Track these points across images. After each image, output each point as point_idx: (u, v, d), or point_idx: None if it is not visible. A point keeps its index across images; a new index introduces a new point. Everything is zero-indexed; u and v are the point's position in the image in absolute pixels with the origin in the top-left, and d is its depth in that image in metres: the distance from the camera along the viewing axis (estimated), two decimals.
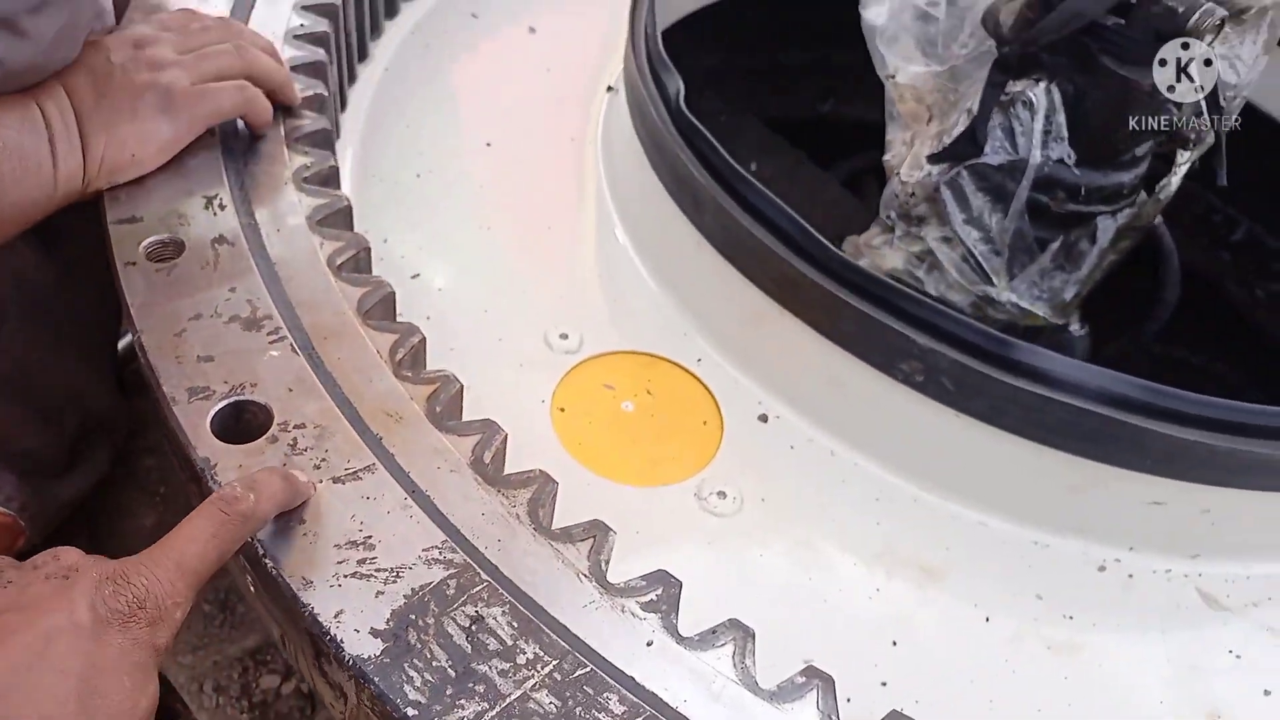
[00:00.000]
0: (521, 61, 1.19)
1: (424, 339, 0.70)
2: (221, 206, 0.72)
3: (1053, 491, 0.81)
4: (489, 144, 1.08)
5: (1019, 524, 0.83)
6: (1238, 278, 1.53)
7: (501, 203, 1.02)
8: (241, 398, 0.61)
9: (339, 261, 0.73)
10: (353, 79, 1.07)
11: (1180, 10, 0.86)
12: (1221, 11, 0.86)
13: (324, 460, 0.59)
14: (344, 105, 1.04)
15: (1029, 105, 0.94)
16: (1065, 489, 0.81)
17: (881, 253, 1.08)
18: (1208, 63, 0.92)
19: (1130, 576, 0.82)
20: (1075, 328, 1.28)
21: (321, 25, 0.92)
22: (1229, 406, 0.75)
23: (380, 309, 0.72)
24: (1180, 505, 0.79)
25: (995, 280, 1.02)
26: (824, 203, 1.51)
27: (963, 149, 0.96)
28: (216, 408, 0.60)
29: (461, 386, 0.68)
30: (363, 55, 1.10)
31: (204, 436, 0.58)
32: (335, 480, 0.58)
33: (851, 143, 1.54)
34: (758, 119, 1.63)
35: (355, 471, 0.59)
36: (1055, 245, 1.03)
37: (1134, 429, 0.74)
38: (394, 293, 0.73)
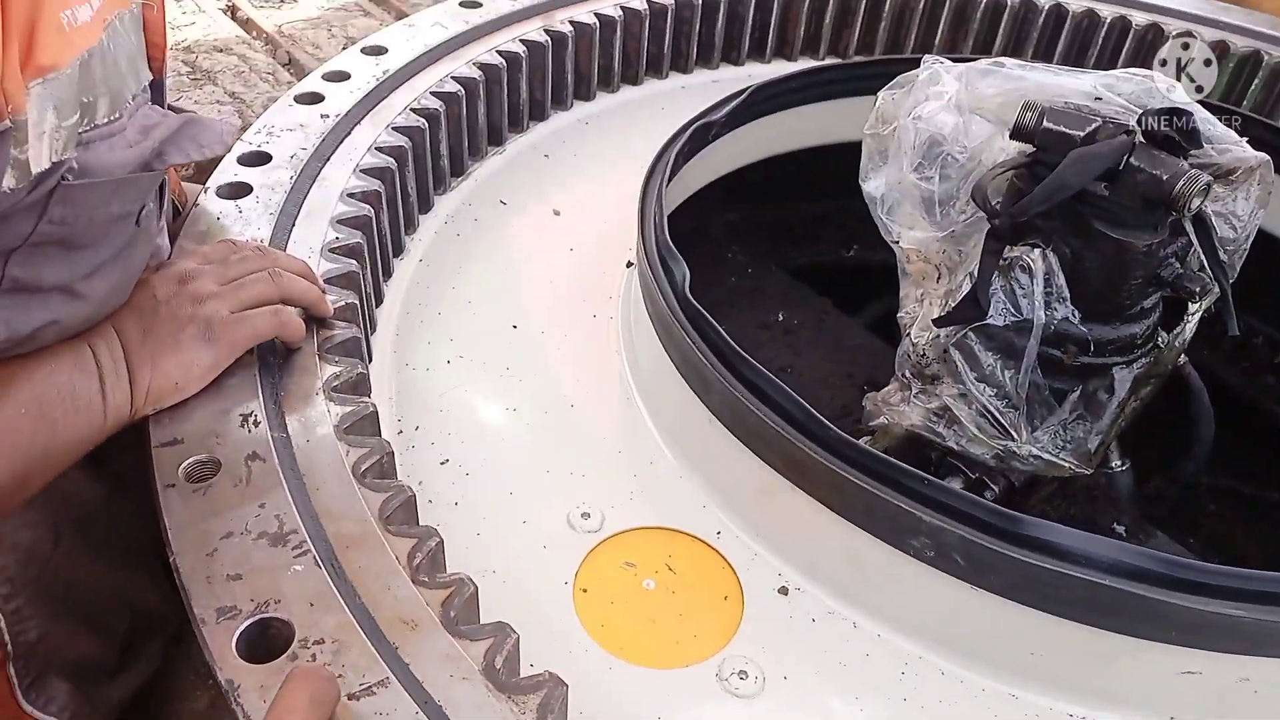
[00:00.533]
0: (547, 243, 1.27)
1: (441, 541, 0.74)
2: (255, 423, 0.78)
3: (1081, 663, 0.80)
4: (515, 326, 1.14)
5: (1052, 697, 0.81)
6: None
7: (526, 384, 1.07)
8: (266, 615, 0.65)
9: (363, 468, 0.77)
10: (388, 274, 1.16)
11: (1165, 178, 0.89)
12: (1206, 177, 0.89)
13: (340, 676, 0.62)
14: (380, 300, 1.12)
15: (1027, 269, 0.97)
16: (1093, 660, 0.79)
17: (900, 410, 1.09)
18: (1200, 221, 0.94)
19: None
20: (1116, 464, 1.26)
21: (355, 237, 1.00)
22: (1252, 576, 0.73)
23: (402, 513, 0.76)
24: (1216, 676, 0.77)
25: (1015, 435, 1.02)
26: (851, 348, 1.54)
27: (966, 313, 0.98)
28: (242, 627, 0.64)
29: (475, 589, 0.71)
30: (398, 250, 1.19)
31: (229, 658, 0.62)
32: (350, 697, 0.61)
33: (878, 286, 1.57)
34: (783, 269, 1.69)
35: (370, 686, 0.62)
36: (1074, 396, 1.04)
37: (1154, 602, 0.73)
38: (414, 496, 0.77)
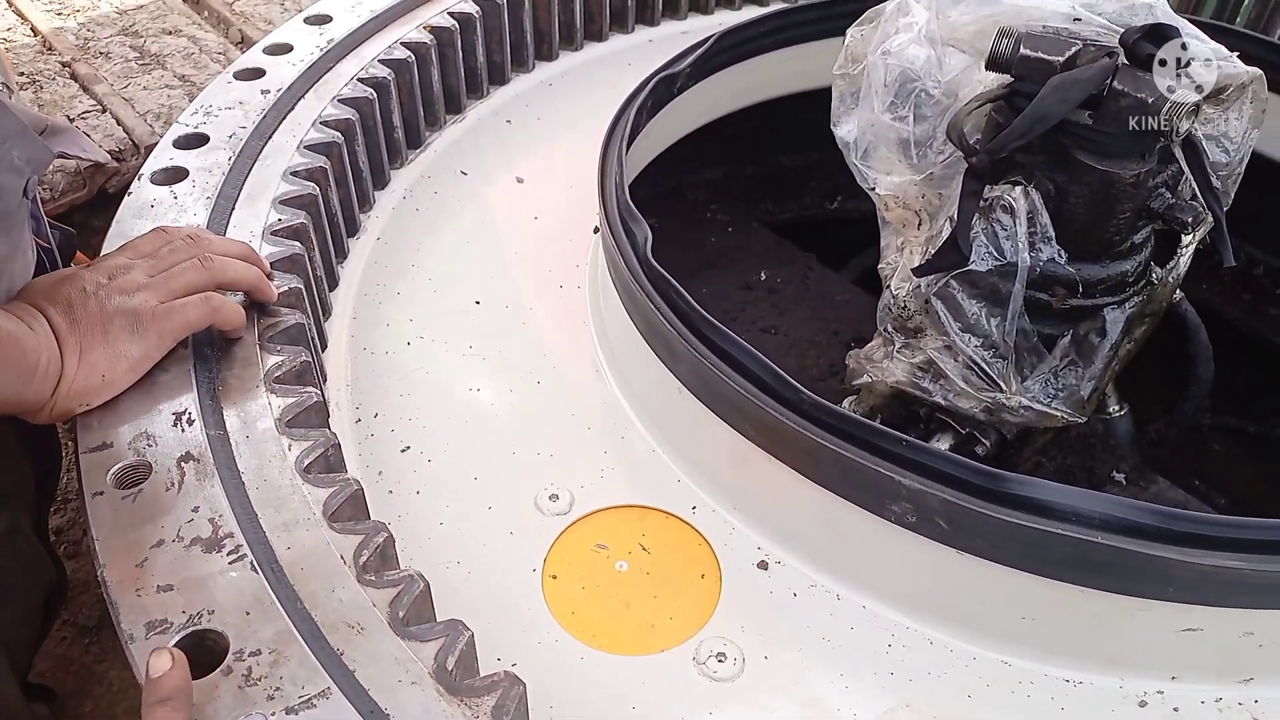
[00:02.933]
0: (510, 213, 1.21)
1: (390, 537, 0.70)
2: (190, 421, 0.74)
3: (1076, 625, 0.75)
4: (478, 302, 1.09)
5: (1045, 661, 0.77)
6: None
7: (490, 362, 1.03)
8: (199, 627, 0.61)
9: (307, 462, 0.73)
10: (342, 255, 1.11)
11: (1151, 100, 0.83)
12: (1194, 96, 0.83)
13: (278, 690, 0.58)
14: (334, 283, 1.07)
15: (1009, 209, 0.91)
16: (1088, 621, 0.75)
17: (883, 366, 1.04)
18: (1190, 144, 0.89)
19: (1175, 710, 0.75)
20: (1113, 409, 1.22)
21: (299, 218, 0.95)
22: (1253, 525, 0.69)
23: (349, 508, 0.72)
24: (1219, 631, 0.73)
25: (1004, 385, 0.97)
26: (838, 304, 1.49)
27: (947, 260, 0.93)
28: (173, 641, 0.60)
29: (426, 585, 0.67)
30: (352, 229, 1.14)
31: None
32: (289, 711, 0.57)
33: (863, 238, 1.52)
34: (765, 225, 1.63)
35: (310, 699, 0.58)
36: (1064, 341, 0.99)
37: (1149, 558, 0.69)
38: (361, 490, 0.73)
